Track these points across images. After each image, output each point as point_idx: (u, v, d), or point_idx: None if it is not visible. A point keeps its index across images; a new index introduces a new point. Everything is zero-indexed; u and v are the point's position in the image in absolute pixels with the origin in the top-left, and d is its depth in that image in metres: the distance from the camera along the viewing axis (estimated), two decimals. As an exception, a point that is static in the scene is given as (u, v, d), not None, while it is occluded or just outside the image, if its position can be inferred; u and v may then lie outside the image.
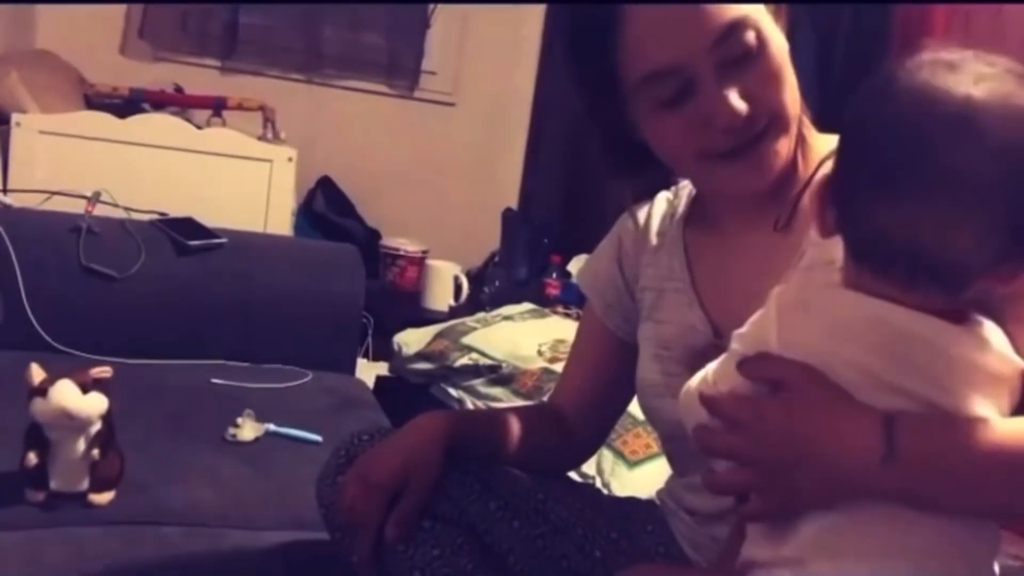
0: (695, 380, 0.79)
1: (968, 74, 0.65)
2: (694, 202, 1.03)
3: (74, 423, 1.08)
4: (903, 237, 0.66)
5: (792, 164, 0.91)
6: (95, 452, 1.10)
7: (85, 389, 1.08)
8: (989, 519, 0.71)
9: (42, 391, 1.07)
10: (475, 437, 1.03)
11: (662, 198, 1.07)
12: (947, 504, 0.69)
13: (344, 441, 1.03)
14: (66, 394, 1.07)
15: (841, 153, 0.72)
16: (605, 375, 1.09)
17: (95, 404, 1.09)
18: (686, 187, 1.05)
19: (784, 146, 0.87)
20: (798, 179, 0.92)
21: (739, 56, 0.84)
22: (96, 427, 1.11)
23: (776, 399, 0.72)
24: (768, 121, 0.85)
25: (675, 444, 1.01)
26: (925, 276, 0.67)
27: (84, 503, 1.13)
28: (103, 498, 1.14)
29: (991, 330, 0.70)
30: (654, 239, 1.05)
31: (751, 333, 0.76)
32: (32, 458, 1.08)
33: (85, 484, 1.13)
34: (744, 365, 0.74)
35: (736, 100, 0.83)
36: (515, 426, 1.06)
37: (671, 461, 1.05)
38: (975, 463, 0.68)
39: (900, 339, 0.68)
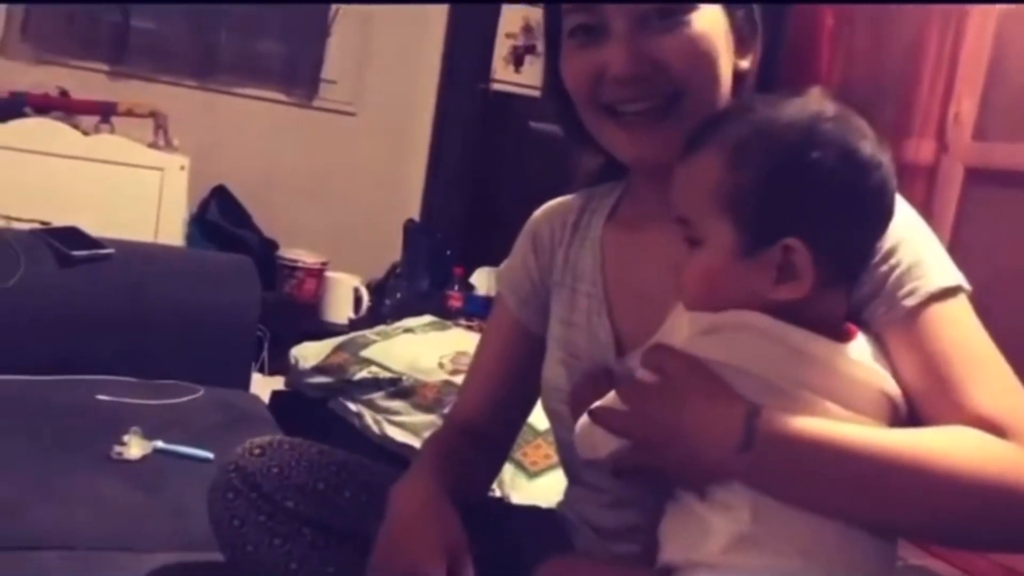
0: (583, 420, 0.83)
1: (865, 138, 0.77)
2: (620, 199, 1.01)
3: None
4: (863, 250, 0.80)
5: None
6: None
7: None
8: (855, 524, 0.75)
9: None
10: (452, 487, 0.95)
11: (587, 192, 1.05)
12: (804, 499, 0.73)
13: (235, 454, 1.00)
14: None
15: (798, 194, 0.75)
16: (515, 376, 1.05)
17: None
18: (615, 188, 1.03)
19: (682, 129, 0.84)
20: None
21: (660, 16, 0.84)
22: None
23: (658, 386, 0.79)
24: (673, 95, 0.86)
25: (570, 447, 1.00)
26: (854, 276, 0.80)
27: None
28: None
29: (872, 349, 0.79)
30: (571, 231, 1.03)
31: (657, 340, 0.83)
32: None
33: None
34: (642, 356, 0.82)
35: (634, 56, 0.84)
36: (462, 461, 1.01)
37: (566, 468, 1.05)
38: (835, 463, 0.73)
39: (792, 354, 0.76)
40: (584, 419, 0.83)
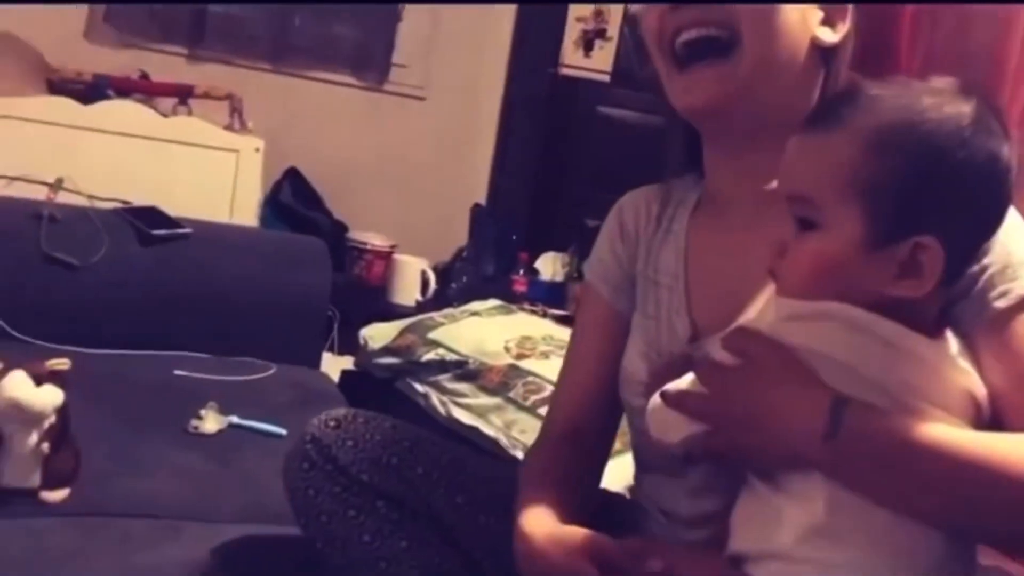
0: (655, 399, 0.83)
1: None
2: (706, 193, 1.00)
3: (25, 416, 1.05)
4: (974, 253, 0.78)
5: None
6: (45, 447, 1.07)
7: (39, 381, 1.05)
8: (927, 523, 0.73)
9: None
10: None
11: (670, 185, 1.04)
12: (884, 496, 0.72)
13: (311, 425, 1.01)
14: (18, 386, 1.04)
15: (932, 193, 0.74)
16: (615, 366, 1.02)
17: (48, 397, 1.06)
18: (698, 183, 1.02)
19: (735, 77, 0.86)
20: None
21: None
22: (49, 421, 1.08)
23: (742, 369, 0.78)
24: (729, 38, 0.86)
25: (646, 437, 1.01)
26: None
27: (36, 500, 1.09)
28: (56, 496, 1.11)
29: (959, 349, 0.77)
30: (655, 223, 1.02)
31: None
32: None
33: (37, 480, 1.09)
34: (724, 337, 0.81)
35: None
36: (573, 487, 0.98)
37: (640, 456, 1.05)
38: (921, 461, 0.71)
39: (884, 348, 0.74)
40: (656, 400, 0.82)
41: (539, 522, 0.88)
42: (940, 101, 0.74)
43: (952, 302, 0.80)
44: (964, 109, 0.74)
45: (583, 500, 0.97)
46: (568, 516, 0.90)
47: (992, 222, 0.77)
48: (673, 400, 0.81)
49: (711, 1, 0.87)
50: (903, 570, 0.72)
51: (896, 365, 0.74)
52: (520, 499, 0.93)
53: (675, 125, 0.99)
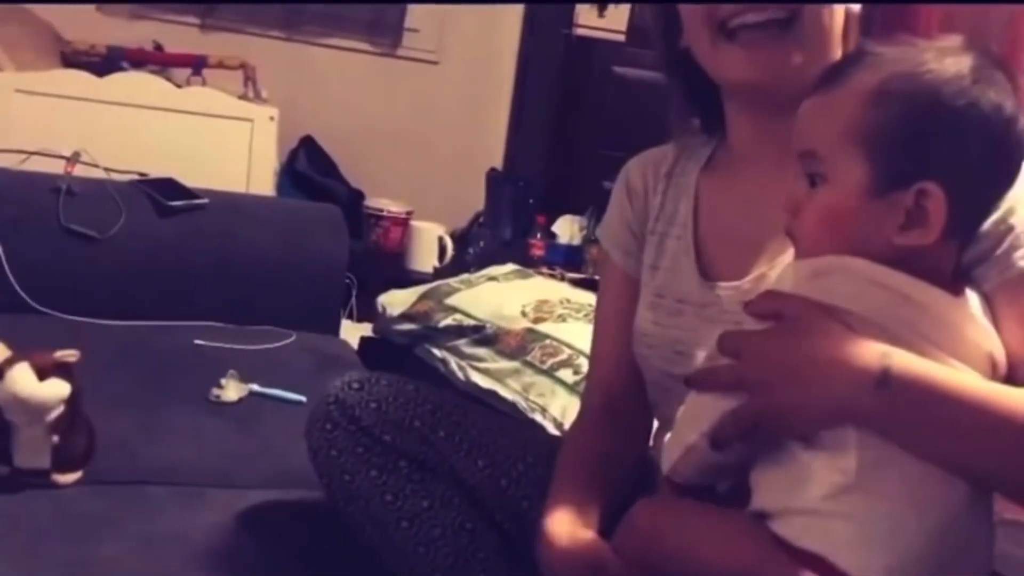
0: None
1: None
2: (716, 150, 1.01)
3: (28, 409, 1.04)
4: (988, 205, 0.78)
5: None
6: (55, 437, 1.06)
7: (44, 374, 1.03)
8: (959, 474, 0.73)
9: (0, 373, 1.03)
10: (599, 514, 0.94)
11: (681, 143, 1.05)
12: (926, 446, 0.71)
13: (334, 387, 1.02)
14: (20, 381, 1.02)
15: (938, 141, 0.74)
16: None
17: (52, 391, 1.04)
18: (710, 140, 1.03)
19: (799, 51, 0.87)
20: None
21: None
22: (56, 412, 1.06)
23: (777, 328, 0.76)
24: (789, 14, 0.86)
25: (659, 394, 1.01)
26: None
27: (47, 482, 1.09)
28: (67, 478, 1.10)
29: (980, 308, 0.77)
30: (664, 180, 1.03)
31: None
32: None
33: (47, 462, 1.09)
34: (749, 304, 0.79)
35: None
36: (609, 468, 0.99)
37: (655, 410, 1.04)
38: (960, 410, 0.71)
39: (903, 301, 0.74)
40: (684, 405, 0.81)
41: (561, 524, 0.89)
42: (941, 55, 0.75)
43: (976, 263, 0.80)
44: (965, 61, 0.74)
45: (623, 472, 0.98)
46: (604, 494, 0.92)
47: (1000, 172, 0.76)
48: (701, 379, 0.79)
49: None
50: (930, 523, 0.71)
51: (914, 317, 0.74)
52: (552, 487, 0.94)
53: (677, 88, 1.00)
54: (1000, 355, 0.76)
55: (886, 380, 0.71)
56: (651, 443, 1.07)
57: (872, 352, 0.72)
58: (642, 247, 1.03)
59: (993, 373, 0.76)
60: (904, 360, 0.71)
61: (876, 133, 0.74)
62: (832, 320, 0.74)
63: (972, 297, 0.77)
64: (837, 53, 0.91)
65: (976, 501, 0.74)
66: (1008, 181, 0.77)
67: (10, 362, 1.04)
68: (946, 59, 0.74)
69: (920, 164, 0.73)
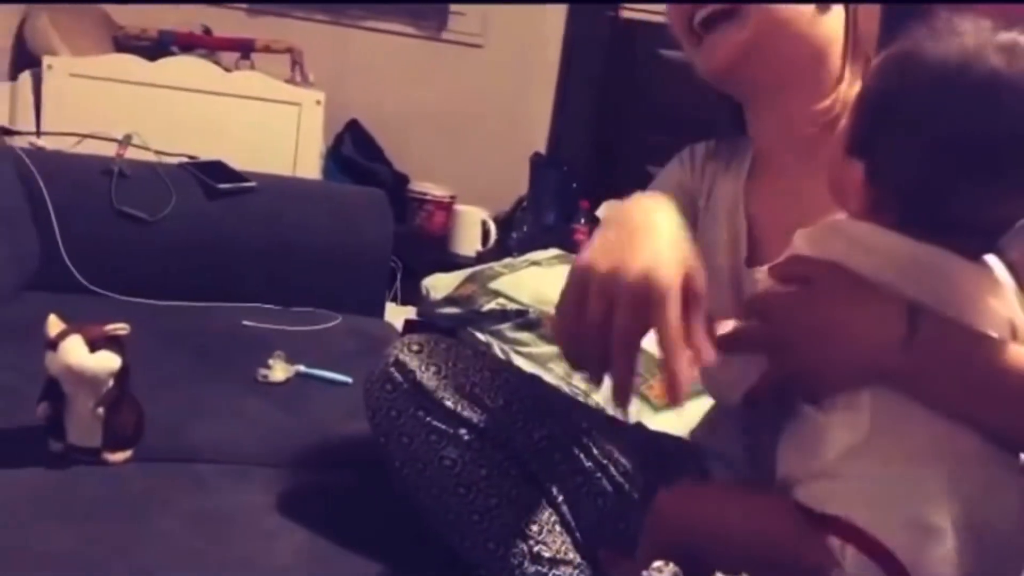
0: None
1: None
2: (756, 153, 1.05)
3: (79, 379, 1.06)
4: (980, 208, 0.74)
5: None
6: (101, 411, 1.08)
7: (95, 346, 1.05)
8: (986, 432, 0.72)
9: (55, 344, 1.05)
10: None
11: (728, 143, 1.10)
12: (951, 403, 0.71)
13: (394, 347, 1.01)
14: (72, 351, 1.05)
15: (893, 112, 0.75)
16: None
17: (102, 363, 1.06)
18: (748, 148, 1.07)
19: (742, 38, 0.93)
20: None
21: None
22: (105, 385, 1.08)
23: (804, 290, 0.77)
24: (731, 6, 0.93)
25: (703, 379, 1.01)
26: (961, 232, 0.74)
27: (98, 460, 1.11)
28: (117, 457, 1.13)
29: (1002, 274, 0.77)
30: (723, 163, 1.07)
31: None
32: (43, 409, 1.07)
33: (98, 440, 1.11)
34: (773, 268, 0.79)
35: None
36: None
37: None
38: (985, 369, 0.71)
39: (920, 266, 0.74)
40: (712, 366, 0.79)
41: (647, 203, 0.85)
42: (961, 42, 0.72)
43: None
44: (968, 41, 0.72)
45: None
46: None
47: (940, 165, 0.72)
48: (730, 341, 0.79)
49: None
50: (946, 477, 0.70)
51: (933, 284, 0.74)
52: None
53: (720, 99, 1.04)
54: (1020, 325, 0.76)
55: (914, 335, 0.71)
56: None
57: (902, 308, 0.72)
58: (694, 224, 1.05)
59: (1014, 339, 0.75)
60: (932, 319, 0.72)
61: (857, 103, 0.79)
62: (856, 279, 0.75)
63: (995, 264, 0.77)
64: (813, 41, 0.94)
65: (997, 458, 0.73)
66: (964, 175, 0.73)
67: (63, 335, 1.06)
68: (945, 42, 0.72)
69: (856, 140, 0.77)
